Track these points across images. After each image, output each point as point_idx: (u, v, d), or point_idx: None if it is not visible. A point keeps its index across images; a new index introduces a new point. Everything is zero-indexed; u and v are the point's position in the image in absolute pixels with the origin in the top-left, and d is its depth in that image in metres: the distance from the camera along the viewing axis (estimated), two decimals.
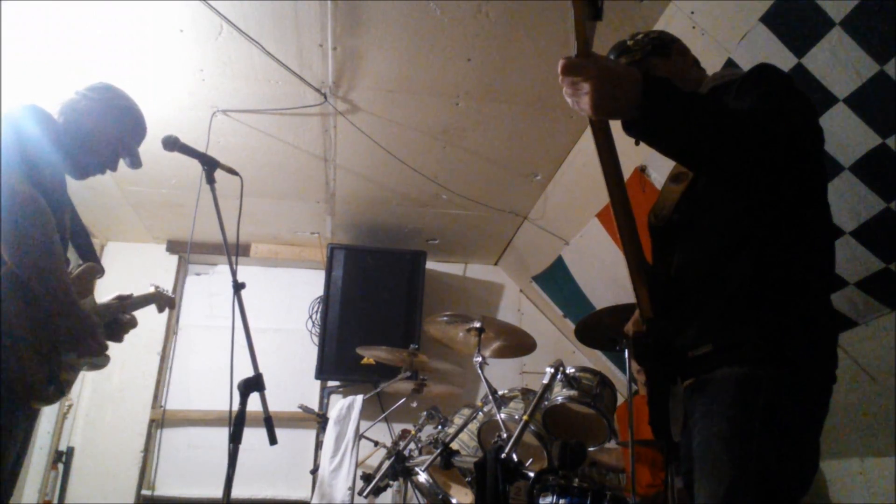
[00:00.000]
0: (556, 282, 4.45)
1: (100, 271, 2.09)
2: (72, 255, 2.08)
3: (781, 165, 1.23)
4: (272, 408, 1.90)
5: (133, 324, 2.28)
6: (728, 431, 1.25)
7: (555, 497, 2.00)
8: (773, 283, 1.29)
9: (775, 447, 1.21)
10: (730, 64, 2.35)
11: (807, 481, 1.27)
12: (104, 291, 2.25)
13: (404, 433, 3.16)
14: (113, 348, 2.12)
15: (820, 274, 1.35)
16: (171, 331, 4.71)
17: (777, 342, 1.26)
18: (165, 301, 2.53)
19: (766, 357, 1.26)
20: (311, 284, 4.85)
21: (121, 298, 2.25)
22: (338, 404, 3.61)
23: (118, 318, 2.22)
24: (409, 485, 2.75)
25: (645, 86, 1.13)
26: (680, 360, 1.39)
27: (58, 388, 1.86)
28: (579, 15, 1.03)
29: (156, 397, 4.51)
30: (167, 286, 2.69)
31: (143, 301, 2.42)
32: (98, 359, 2.02)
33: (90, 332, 1.89)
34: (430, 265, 4.76)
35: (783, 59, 2.16)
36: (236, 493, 1.81)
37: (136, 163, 2.15)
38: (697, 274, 1.41)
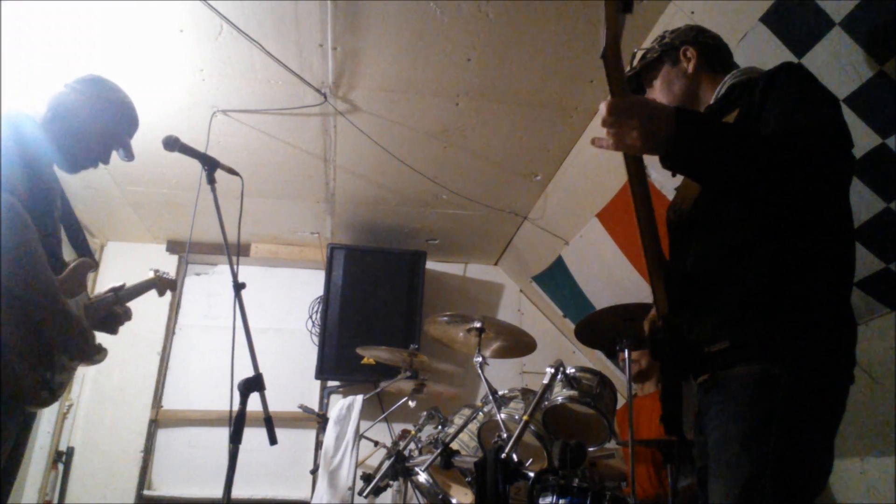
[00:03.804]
0: (556, 282, 4.45)
1: (93, 266, 2.07)
2: (69, 253, 2.08)
3: (816, 184, 1.23)
4: (272, 408, 1.90)
5: (127, 316, 2.26)
6: (744, 430, 1.24)
7: (555, 497, 2.01)
8: (791, 280, 1.28)
9: (791, 447, 1.21)
10: None
11: (822, 482, 1.27)
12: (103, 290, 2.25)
13: (404, 433, 3.16)
14: (113, 348, 2.12)
15: (840, 271, 1.33)
16: (170, 331, 4.70)
17: (795, 340, 1.25)
18: (166, 284, 2.51)
19: (783, 355, 1.25)
20: (311, 284, 4.85)
21: (115, 290, 2.24)
22: (338, 404, 3.61)
23: (113, 311, 2.20)
24: (409, 485, 2.75)
25: (677, 120, 1.17)
26: (695, 356, 1.38)
27: (51, 392, 1.84)
28: (611, 11, 1.05)
29: (156, 397, 4.50)
30: None
31: (144, 288, 2.41)
32: (95, 356, 2.01)
33: (81, 335, 1.88)
34: (430, 265, 4.76)
35: (783, 59, 2.15)
36: (236, 493, 1.81)
37: (129, 155, 2.13)
38: (715, 269, 1.40)
